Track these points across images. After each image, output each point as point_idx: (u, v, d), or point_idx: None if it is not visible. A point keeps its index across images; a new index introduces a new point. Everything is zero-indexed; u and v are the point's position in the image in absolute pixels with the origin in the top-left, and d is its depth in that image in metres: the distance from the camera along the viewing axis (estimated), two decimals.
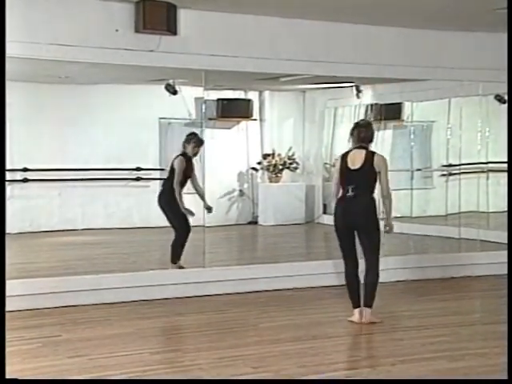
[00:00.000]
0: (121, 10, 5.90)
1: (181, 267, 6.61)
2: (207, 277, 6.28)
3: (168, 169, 7.00)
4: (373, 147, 5.32)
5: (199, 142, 6.93)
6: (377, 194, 5.26)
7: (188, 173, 6.87)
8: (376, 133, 5.61)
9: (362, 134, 5.22)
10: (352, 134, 5.29)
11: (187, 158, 6.86)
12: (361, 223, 5.16)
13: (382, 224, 5.26)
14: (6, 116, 4.23)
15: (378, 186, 5.23)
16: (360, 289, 5.26)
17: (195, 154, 6.92)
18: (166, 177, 7.06)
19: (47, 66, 6.51)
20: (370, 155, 5.18)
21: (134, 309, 5.72)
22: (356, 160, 5.18)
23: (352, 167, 5.17)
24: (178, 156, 6.88)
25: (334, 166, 5.95)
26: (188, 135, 7.02)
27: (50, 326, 5.14)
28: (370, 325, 5.18)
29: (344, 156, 5.28)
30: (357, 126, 5.32)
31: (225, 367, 4.21)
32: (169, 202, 6.78)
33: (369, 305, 5.20)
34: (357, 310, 5.22)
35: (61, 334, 4.95)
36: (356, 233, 5.22)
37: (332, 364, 4.32)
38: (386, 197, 5.24)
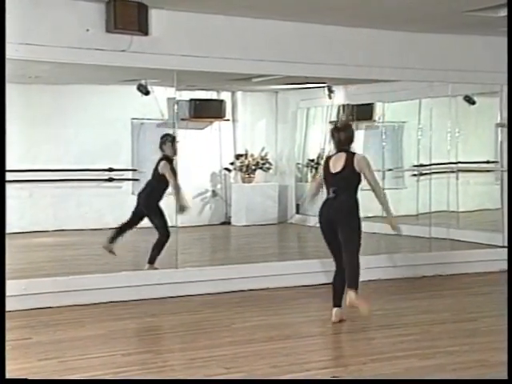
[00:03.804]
0: (91, 9, 5.86)
1: (155, 268, 6.61)
2: (180, 277, 6.27)
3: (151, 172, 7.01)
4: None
5: (174, 140, 6.95)
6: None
7: (173, 173, 6.91)
8: None
9: (342, 136, 5.25)
10: (333, 136, 5.31)
11: (169, 160, 6.90)
12: (340, 220, 5.15)
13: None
14: (5, 116, 4.17)
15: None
16: (343, 291, 5.24)
17: (175, 153, 6.95)
18: (150, 179, 7.04)
19: (17, 66, 6.44)
20: (350, 157, 5.20)
21: (106, 310, 5.68)
22: (337, 164, 5.22)
23: (333, 171, 5.22)
24: (160, 160, 6.91)
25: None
26: (162, 137, 7.05)
27: (20, 329, 5.08)
28: (342, 324, 5.21)
29: (327, 159, 5.36)
30: (336, 129, 5.33)
31: (198, 368, 4.21)
32: (152, 204, 6.81)
33: (351, 286, 5.09)
34: (334, 310, 5.25)
35: (31, 337, 4.90)
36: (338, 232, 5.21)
37: (304, 364, 4.35)
38: (378, 191, 5.26)
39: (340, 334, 5.08)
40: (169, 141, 6.93)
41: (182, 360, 4.40)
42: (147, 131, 9.77)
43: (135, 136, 10.03)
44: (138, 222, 6.96)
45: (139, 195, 7.04)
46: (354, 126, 5.57)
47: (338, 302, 5.26)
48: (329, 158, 5.36)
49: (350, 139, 5.28)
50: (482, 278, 7.02)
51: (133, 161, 9.89)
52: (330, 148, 5.39)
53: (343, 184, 5.19)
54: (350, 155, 5.22)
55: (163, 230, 6.78)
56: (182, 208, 6.93)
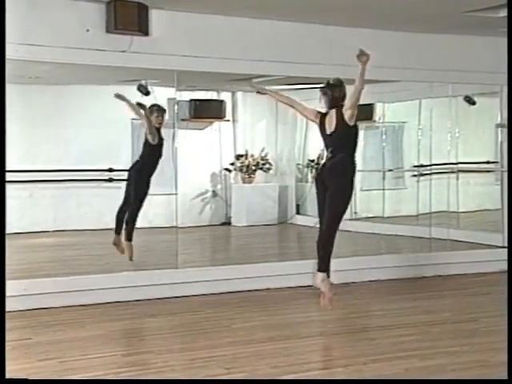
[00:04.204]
0: (92, 9, 5.86)
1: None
2: (180, 278, 6.27)
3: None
4: None
5: (162, 111, 7.03)
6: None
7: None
8: None
9: (336, 93, 5.19)
10: (325, 94, 5.25)
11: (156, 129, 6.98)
12: (329, 179, 5.11)
13: None
14: (5, 116, 4.17)
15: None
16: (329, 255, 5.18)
17: (160, 124, 7.00)
18: (142, 150, 7.12)
19: (17, 66, 6.44)
20: (340, 112, 5.11)
21: (106, 311, 5.68)
22: (332, 122, 5.16)
23: (328, 131, 5.18)
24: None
25: None
26: (149, 107, 7.10)
27: (20, 329, 5.07)
28: (342, 324, 5.21)
29: (322, 118, 5.26)
30: (329, 85, 5.25)
31: (198, 368, 4.21)
32: (143, 175, 6.86)
33: (320, 267, 5.05)
34: (317, 274, 5.19)
35: (31, 337, 4.90)
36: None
37: (305, 364, 4.34)
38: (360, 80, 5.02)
39: (340, 335, 5.08)
40: (155, 111, 6.98)
41: (182, 360, 4.39)
42: None
43: (135, 136, 10.01)
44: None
45: (130, 169, 7.07)
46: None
47: (322, 267, 5.17)
48: (323, 116, 5.26)
49: (343, 97, 5.21)
50: (482, 279, 7.02)
51: (133, 161, 9.85)
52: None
53: (339, 144, 5.13)
54: (340, 110, 5.13)
55: (134, 201, 6.78)
56: None
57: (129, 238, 6.83)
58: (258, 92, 5.61)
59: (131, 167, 7.13)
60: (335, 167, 5.12)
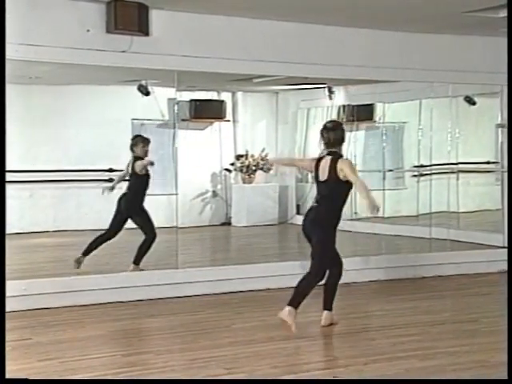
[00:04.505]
0: (92, 10, 5.86)
1: (140, 270, 6.62)
2: (180, 278, 6.27)
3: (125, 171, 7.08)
4: (345, 148, 5.28)
5: (146, 141, 6.99)
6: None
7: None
8: (348, 134, 5.58)
9: (332, 136, 5.02)
10: (322, 136, 5.10)
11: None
12: (311, 231, 5.06)
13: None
14: (5, 116, 4.17)
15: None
16: (332, 293, 5.21)
17: (146, 154, 6.95)
18: (129, 183, 7.04)
19: (17, 67, 6.44)
20: (334, 164, 4.95)
21: (106, 311, 5.68)
22: (325, 170, 5.02)
23: (321, 178, 5.04)
24: (135, 160, 6.91)
25: None
26: (133, 138, 7.09)
27: (20, 329, 5.07)
28: (342, 324, 5.21)
29: (317, 163, 5.11)
30: (325, 128, 5.09)
31: (198, 368, 4.21)
32: (136, 206, 6.81)
33: (290, 302, 4.94)
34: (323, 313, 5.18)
35: (31, 337, 4.90)
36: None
37: (305, 364, 4.35)
38: (360, 189, 4.92)
39: (340, 335, 5.08)
40: (140, 141, 6.96)
41: (183, 360, 4.39)
42: (147, 132, 9.74)
43: None
44: (121, 228, 6.93)
45: (120, 200, 6.97)
46: (349, 127, 5.40)
47: (326, 306, 5.19)
48: (318, 160, 5.09)
49: (341, 140, 5.06)
50: (482, 279, 7.02)
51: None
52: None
53: (326, 194, 5.00)
54: (334, 161, 4.96)
55: (150, 231, 6.78)
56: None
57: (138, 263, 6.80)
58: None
59: (120, 198, 7.04)
60: (317, 219, 5.01)
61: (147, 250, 6.78)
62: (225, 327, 5.23)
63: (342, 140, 5.10)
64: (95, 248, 6.89)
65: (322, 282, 5.15)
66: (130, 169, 6.99)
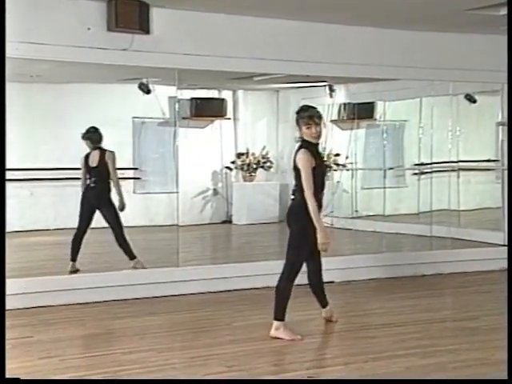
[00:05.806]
0: (93, 8, 5.86)
1: (142, 264, 6.65)
2: (181, 276, 6.27)
3: (94, 165, 7.24)
4: (346, 146, 5.27)
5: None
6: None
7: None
8: (349, 132, 5.58)
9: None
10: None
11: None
12: (288, 222, 5.06)
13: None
14: (5, 115, 4.17)
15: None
16: (320, 290, 5.15)
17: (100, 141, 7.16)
18: (97, 174, 7.16)
19: (17, 65, 6.44)
20: (296, 152, 4.82)
21: (106, 309, 5.69)
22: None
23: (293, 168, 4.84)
24: (105, 151, 7.08)
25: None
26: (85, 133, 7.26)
27: (21, 327, 5.08)
28: (342, 322, 5.21)
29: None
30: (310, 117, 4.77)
31: (198, 366, 4.21)
32: (105, 199, 6.87)
33: (275, 317, 4.79)
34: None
35: (32, 335, 4.91)
36: None
37: (305, 362, 4.35)
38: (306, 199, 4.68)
39: (340, 333, 5.08)
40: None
41: (183, 358, 4.40)
42: (148, 130, 9.77)
43: (136, 135, 10.02)
44: (91, 221, 6.97)
45: (85, 193, 7.08)
46: (350, 125, 5.25)
47: (322, 303, 5.15)
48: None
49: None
50: (482, 277, 7.02)
51: (134, 159, 9.87)
52: (331, 146, 5.18)
53: (297, 183, 4.87)
54: (297, 150, 4.82)
55: (117, 224, 6.78)
56: (121, 206, 6.91)
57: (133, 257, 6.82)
58: None
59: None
60: (291, 213, 4.95)
61: (127, 242, 6.76)
62: (225, 325, 5.24)
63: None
64: (78, 249, 6.85)
65: (304, 281, 5.04)
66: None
